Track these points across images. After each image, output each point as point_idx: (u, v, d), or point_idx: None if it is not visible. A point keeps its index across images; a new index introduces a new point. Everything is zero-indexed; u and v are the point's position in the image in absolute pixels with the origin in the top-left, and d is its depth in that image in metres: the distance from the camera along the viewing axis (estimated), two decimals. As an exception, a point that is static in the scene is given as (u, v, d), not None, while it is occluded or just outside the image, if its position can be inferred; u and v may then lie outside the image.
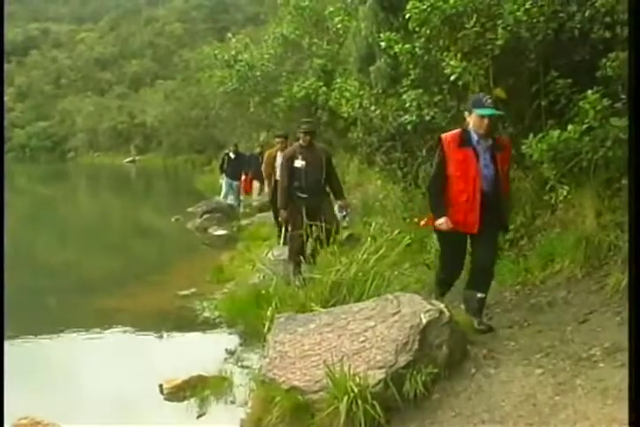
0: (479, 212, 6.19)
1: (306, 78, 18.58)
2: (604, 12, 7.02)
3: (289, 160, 9.52)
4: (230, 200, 19.97)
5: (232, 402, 6.30)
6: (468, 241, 6.51)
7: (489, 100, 6.21)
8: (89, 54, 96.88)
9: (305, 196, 9.38)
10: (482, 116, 6.15)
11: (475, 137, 6.25)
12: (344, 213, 9.57)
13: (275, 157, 12.52)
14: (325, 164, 9.53)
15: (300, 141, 9.64)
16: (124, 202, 30.72)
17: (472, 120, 6.25)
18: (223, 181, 20.30)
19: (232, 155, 19.92)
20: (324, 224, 8.50)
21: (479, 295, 6.37)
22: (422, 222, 6.82)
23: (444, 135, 6.42)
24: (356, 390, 4.86)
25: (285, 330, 5.95)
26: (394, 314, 5.59)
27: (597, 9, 7.03)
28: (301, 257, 9.10)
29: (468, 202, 6.22)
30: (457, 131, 6.42)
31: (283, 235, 10.04)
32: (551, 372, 5.08)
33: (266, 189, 13.76)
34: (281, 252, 11.13)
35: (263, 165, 13.32)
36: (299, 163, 9.40)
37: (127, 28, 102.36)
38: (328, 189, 9.77)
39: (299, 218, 9.22)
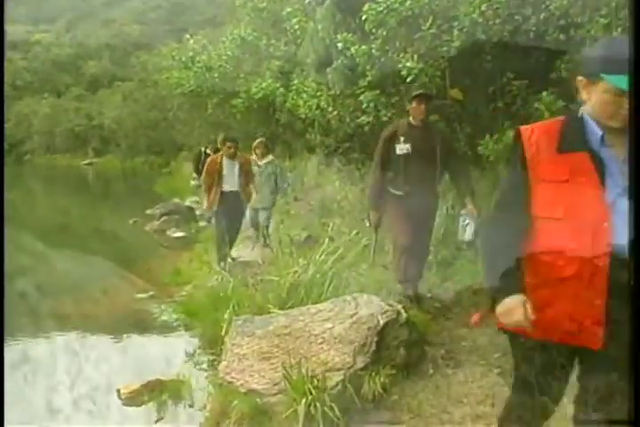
0: (607, 303, 2.70)
1: (263, 80, 18.56)
2: (559, 15, 7.09)
3: (388, 142, 6.94)
4: None
5: (190, 406, 6.25)
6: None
7: None
8: (45, 56, 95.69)
9: (400, 193, 6.92)
10: (621, 92, 2.63)
11: (597, 131, 2.77)
12: (466, 221, 7.00)
13: (220, 163, 10.57)
14: (441, 152, 6.88)
15: (410, 118, 6.97)
16: (81, 204, 30.36)
17: (594, 98, 2.76)
18: None
19: None
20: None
21: None
22: (474, 319, 3.12)
23: (524, 127, 2.94)
24: (314, 392, 4.84)
25: (243, 333, 5.90)
26: (352, 315, 5.57)
27: (552, 12, 7.09)
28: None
29: (581, 281, 2.72)
30: (552, 120, 3.01)
31: (373, 247, 7.59)
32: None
33: (205, 202, 10.99)
34: (239, 254, 11.12)
35: (204, 173, 10.98)
36: (401, 147, 6.82)
37: (84, 30, 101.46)
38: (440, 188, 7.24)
39: (402, 224, 6.97)
